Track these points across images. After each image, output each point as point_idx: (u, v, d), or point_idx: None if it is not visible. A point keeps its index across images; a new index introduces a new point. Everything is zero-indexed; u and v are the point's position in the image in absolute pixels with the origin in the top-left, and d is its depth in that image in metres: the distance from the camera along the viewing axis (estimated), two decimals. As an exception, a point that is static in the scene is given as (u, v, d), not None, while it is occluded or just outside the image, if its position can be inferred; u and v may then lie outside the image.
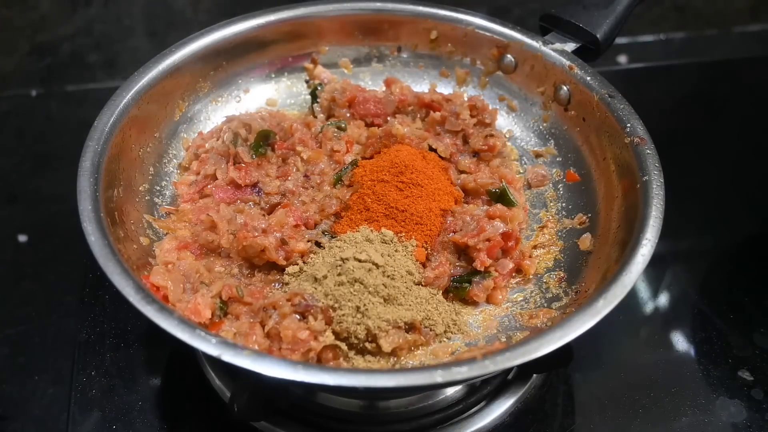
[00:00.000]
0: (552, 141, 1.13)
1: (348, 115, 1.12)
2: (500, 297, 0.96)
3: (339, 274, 0.86)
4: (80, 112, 1.49)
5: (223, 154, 1.04)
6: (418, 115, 1.13)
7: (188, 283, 0.89)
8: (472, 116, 1.09)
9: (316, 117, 1.14)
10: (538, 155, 1.14)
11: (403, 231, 0.95)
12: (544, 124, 1.15)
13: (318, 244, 0.96)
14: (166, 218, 1.00)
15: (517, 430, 0.98)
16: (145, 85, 1.02)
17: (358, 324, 0.84)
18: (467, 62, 1.20)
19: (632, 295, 1.15)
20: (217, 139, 1.06)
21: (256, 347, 0.82)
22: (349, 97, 1.12)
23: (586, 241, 0.99)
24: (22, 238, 1.27)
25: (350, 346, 0.86)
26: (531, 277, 0.98)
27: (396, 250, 0.92)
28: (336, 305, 0.85)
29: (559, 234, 1.03)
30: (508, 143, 1.15)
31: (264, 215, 0.98)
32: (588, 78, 1.07)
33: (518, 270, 0.98)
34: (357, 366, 0.85)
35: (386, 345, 0.85)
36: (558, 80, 1.11)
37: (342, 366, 0.85)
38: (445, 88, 1.20)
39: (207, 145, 1.07)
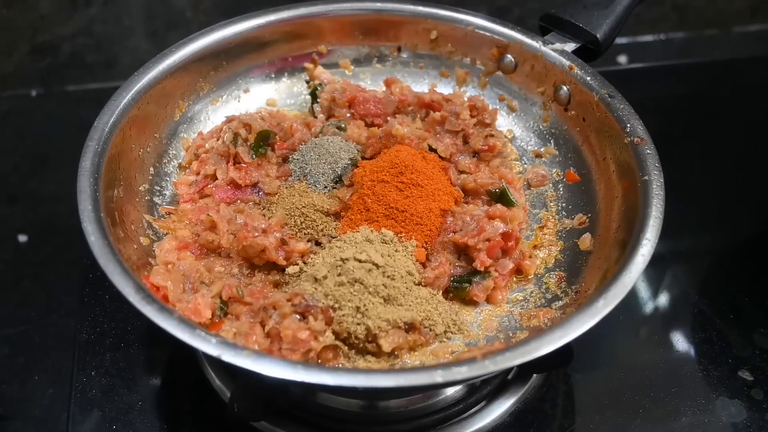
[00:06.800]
0: (552, 141, 1.13)
1: (348, 115, 1.12)
2: (500, 297, 0.96)
3: (339, 275, 0.86)
4: (80, 112, 1.49)
5: (223, 154, 1.04)
6: (418, 115, 1.13)
7: (188, 283, 0.89)
8: (472, 116, 1.09)
9: (316, 117, 1.14)
10: (538, 155, 1.14)
11: (403, 231, 0.95)
12: (544, 124, 1.15)
13: (318, 244, 0.97)
14: (166, 218, 1.00)
15: (517, 430, 0.98)
16: (145, 85, 1.02)
17: (358, 324, 0.84)
18: (467, 62, 1.20)
19: (632, 295, 1.15)
20: (217, 139, 1.06)
21: (256, 347, 0.82)
22: (349, 97, 1.12)
23: (586, 241, 0.99)
24: (22, 238, 1.27)
25: (350, 347, 0.86)
26: (531, 277, 0.98)
27: (396, 251, 0.92)
28: (336, 305, 0.85)
29: (559, 234, 1.03)
30: (508, 143, 1.15)
31: (264, 215, 0.98)
32: (588, 78, 1.07)
33: (518, 270, 0.98)
34: (357, 366, 0.85)
35: (386, 345, 0.85)
36: (558, 80, 1.11)
37: (342, 366, 0.85)
38: (445, 88, 1.20)
39: (207, 145, 1.07)
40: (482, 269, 0.94)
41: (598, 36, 1.08)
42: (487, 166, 1.07)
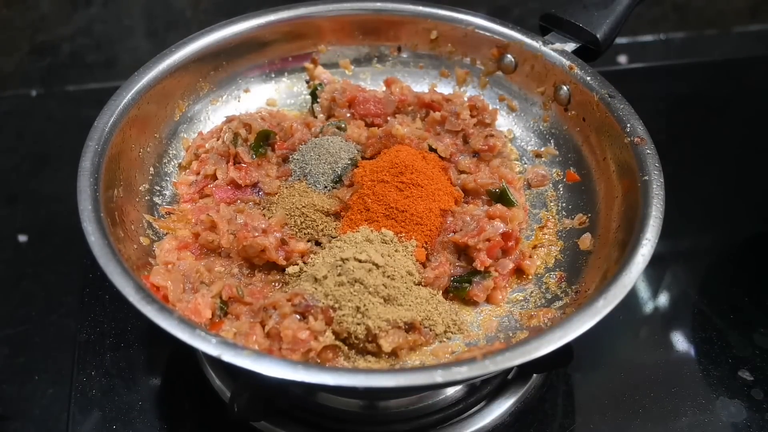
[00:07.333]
0: (552, 141, 1.13)
1: (348, 115, 1.12)
2: (500, 297, 0.96)
3: (339, 275, 0.86)
4: (80, 112, 1.49)
5: (223, 154, 1.04)
6: (418, 115, 1.13)
7: (188, 283, 0.89)
8: (472, 116, 1.09)
9: (316, 117, 1.14)
10: (538, 155, 1.14)
11: (403, 231, 0.95)
12: (544, 124, 1.15)
13: (318, 244, 0.97)
14: (166, 218, 1.00)
15: (517, 430, 0.98)
16: (145, 85, 1.02)
17: (359, 324, 0.84)
18: (467, 62, 1.20)
19: (632, 295, 1.15)
20: (217, 139, 1.06)
21: (256, 347, 0.82)
22: (349, 97, 1.12)
23: (586, 241, 0.99)
24: (22, 238, 1.27)
25: (350, 346, 0.86)
26: (531, 277, 0.98)
27: (396, 251, 0.92)
28: (336, 305, 0.85)
29: (559, 234, 1.03)
30: (508, 143, 1.15)
31: (264, 215, 0.98)
32: (588, 78, 1.07)
33: (518, 270, 0.98)
34: (357, 366, 0.85)
35: (386, 345, 0.85)
36: (558, 80, 1.11)
37: (342, 366, 0.85)
38: (445, 88, 1.20)
39: (207, 145, 1.07)
40: (482, 269, 0.94)
41: (598, 36, 1.08)
42: (487, 166, 1.07)
